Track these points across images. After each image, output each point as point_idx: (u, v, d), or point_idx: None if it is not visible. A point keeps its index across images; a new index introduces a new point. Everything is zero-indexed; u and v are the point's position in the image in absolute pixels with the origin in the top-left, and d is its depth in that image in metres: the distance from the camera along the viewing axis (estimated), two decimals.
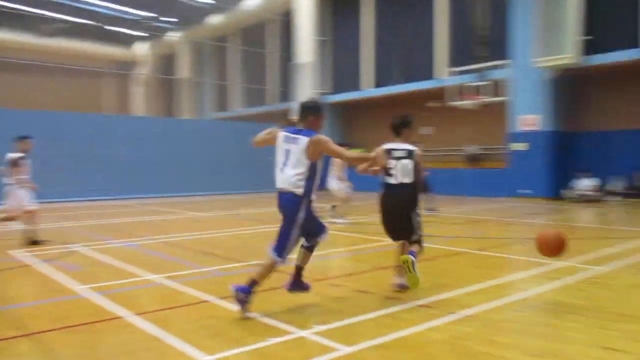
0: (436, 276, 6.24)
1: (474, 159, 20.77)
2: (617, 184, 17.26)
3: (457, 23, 20.50)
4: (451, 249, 8.06)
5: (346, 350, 3.75)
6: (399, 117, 5.75)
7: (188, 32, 33.68)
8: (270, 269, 4.79)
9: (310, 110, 4.90)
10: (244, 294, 4.60)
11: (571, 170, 17.55)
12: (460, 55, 20.40)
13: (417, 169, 5.48)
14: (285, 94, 27.47)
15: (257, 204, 17.75)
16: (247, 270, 6.62)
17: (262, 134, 5.09)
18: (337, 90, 25.94)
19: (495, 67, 17.92)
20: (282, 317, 4.53)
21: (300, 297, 5.39)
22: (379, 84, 23.73)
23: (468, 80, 18.39)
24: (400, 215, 5.53)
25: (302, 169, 4.69)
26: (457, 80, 18.74)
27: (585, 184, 17.02)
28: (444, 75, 20.46)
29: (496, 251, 7.97)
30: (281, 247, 4.74)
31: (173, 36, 34.31)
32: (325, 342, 3.93)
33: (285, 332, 4.15)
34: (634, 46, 15.55)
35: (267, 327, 4.29)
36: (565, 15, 16.05)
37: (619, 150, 17.44)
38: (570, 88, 18.48)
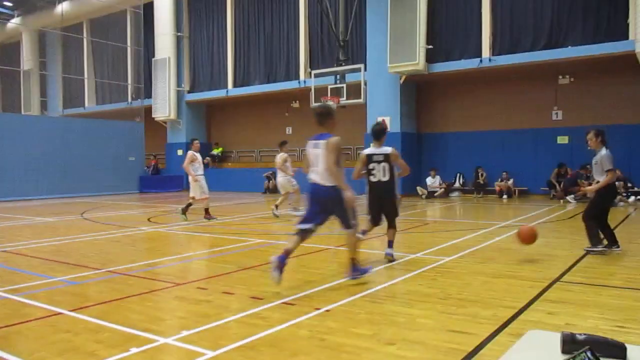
0: (300, 273, 6.39)
1: None
2: (461, 181, 19.07)
3: (316, 26, 21.12)
4: (314, 246, 8.28)
5: (211, 354, 3.69)
6: (379, 125, 7.24)
7: (31, 20, 30.66)
8: (354, 242, 5.88)
9: (327, 115, 5.86)
10: (358, 272, 5.79)
11: (425, 169, 19.04)
12: (320, 58, 21.07)
13: (392, 166, 6.93)
14: (143, 91, 26.21)
15: (111, 207, 16.75)
16: (105, 277, 6.24)
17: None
18: (196, 88, 25.36)
19: (353, 70, 18.76)
20: (143, 326, 4.33)
21: (162, 304, 5.22)
22: (239, 83, 23.61)
23: (328, 82, 19.03)
24: (381, 204, 7.06)
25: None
26: (317, 82, 19.30)
27: (433, 182, 18.59)
28: (305, 76, 21.00)
29: None
30: (348, 222, 5.75)
31: (13, 23, 31.07)
32: (190, 347, 3.84)
33: (148, 341, 3.98)
34: (477, 56, 17.26)
35: (127, 338, 4.07)
36: (413, 25, 17.32)
37: (463, 150, 19.25)
38: (419, 93, 20.02)
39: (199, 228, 10.94)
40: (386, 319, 4.60)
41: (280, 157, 13.06)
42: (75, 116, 27.86)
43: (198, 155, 12.15)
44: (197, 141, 12.54)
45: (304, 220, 5.80)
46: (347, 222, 5.76)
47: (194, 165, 12.00)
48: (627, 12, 14.96)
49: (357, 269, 5.82)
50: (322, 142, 5.68)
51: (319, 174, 5.69)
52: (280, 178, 13.15)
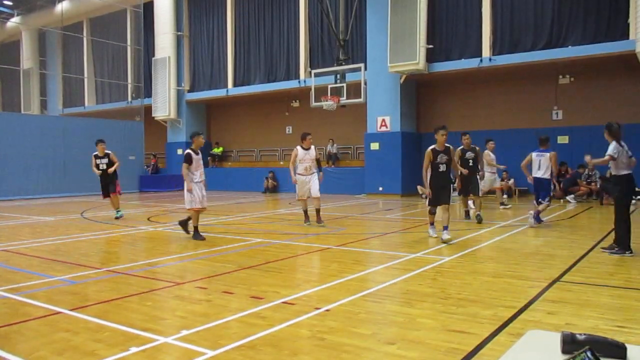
0: (300, 273, 6.39)
1: (335, 158, 21.59)
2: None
3: (316, 25, 21.11)
4: (313, 246, 8.29)
5: (211, 353, 3.69)
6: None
7: (31, 19, 30.64)
8: (545, 207, 10.37)
9: (547, 140, 10.34)
10: (536, 221, 10.18)
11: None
12: (320, 57, 21.06)
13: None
14: (143, 90, 26.20)
15: (110, 206, 16.69)
16: (104, 277, 6.23)
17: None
18: (196, 87, 25.36)
19: (353, 69, 18.74)
20: (143, 325, 4.33)
21: (162, 303, 5.21)
22: (240, 82, 23.61)
23: (328, 82, 19.03)
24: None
25: (547, 166, 10.12)
26: (317, 81, 19.29)
27: None
28: (305, 76, 20.99)
29: (355, 246, 8.36)
30: (547, 196, 10.24)
31: (13, 22, 31.05)
32: (190, 347, 3.83)
33: (148, 340, 3.97)
34: (478, 56, 17.25)
35: (126, 337, 4.07)
36: (413, 24, 17.31)
37: None
38: (419, 92, 20.00)
39: (199, 228, 10.90)
40: (386, 318, 4.60)
41: (487, 154, 13.68)
42: (75, 115, 27.87)
43: (301, 151, 10.82)
44: (309, 136, 10.94)
45: (542, 197, 10.24)
46: (546, 197, 10.27)
47: (295, 163, 10.98)
48: (627, 12, 14.95)
49: (538, 218, 10.21)
50: (547, 154, 10.11)
51: (540, 171, 10.15)
52: (488, 174, 13.60)
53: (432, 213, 9.07)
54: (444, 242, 8.31)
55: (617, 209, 7.33)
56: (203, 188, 9.28)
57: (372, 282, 5.92)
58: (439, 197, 8.83)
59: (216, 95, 24.30)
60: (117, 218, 12.56)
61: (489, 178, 13.70)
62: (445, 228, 8.56)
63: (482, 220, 10.90)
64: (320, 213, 10.88)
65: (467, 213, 11.80)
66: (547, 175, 10.14)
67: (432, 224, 9.10)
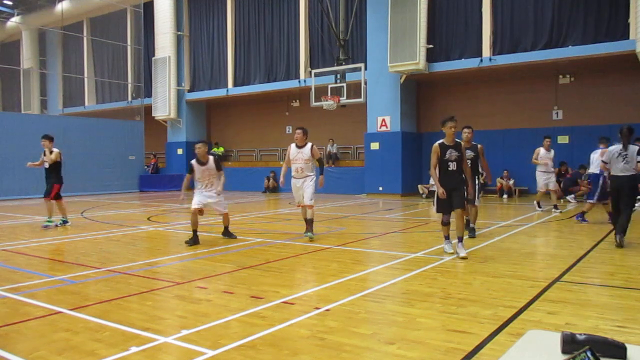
0: (300, 273, 6.39)
1: (335, 158, 21.59)
2: None
3: (316, 25, 21.11)
4: (313, 246, 8.29)
5: (211, 353, 3.69)
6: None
7: (31, 18, 30.65)
8: (590, 207, 10.73)
9: (606, 140, 10.58)
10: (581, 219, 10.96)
11: (425, 169, 19.02)
12: (320, 57, 21.06)
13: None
14: (143, 90, 26.20)
15: (110, 206, 16.73)
16: (104, 276, 6.23)
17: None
18: (196, 87, 25.37)
19: (353, 69, 18.74)
20: (143, 325, 4.33)
21: (162, 303, 5.21)
22: (240, 82, 23.60)
23: (328, 82, 19.02)
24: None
25: (597, 164, 10.12)
26: (317, 81, 19.29)
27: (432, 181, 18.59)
28: (305, 75, 21.00)
29: (355, 246, 8.36)
30: (592, 195, 10.50)
31: (13, 22, 31.06)
32: (190, 346, 3.83)
33: (148, 340, 3.97)
34: (478, 55, 17.25)
35: (127, 337, 4.07)
36: (413, 24, 17.31)
37: None
38: (419, 92, 20.00)
39: (199, 227, 10.91)
40: (386, 318, 4.59)
41: (538, 151, 13.35)
42: (75, 115, 27.85)
43: (293, 149, 9.19)
44: (299, 131, 9.19)
45: (588, 196, 10.92)
46: (594, 196, 10.39)
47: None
48: (627, 12, 14.95)
49: (581, 216, 10.98)
50: (599, 151, 10.38)
51: (592, 167, 10.79)
52: (541, 174, 13.36)
53: (446, 223, 7.48)
54: (462, 258, 7.02)
55: None
56: (210, 197, 8.76)
57: (372, 282, 5.92)
58: (450, 202, 7.33)
59: (216, 95, 24.29)
60: (44, 227, 10.99)
61: (540, 178, 13.16)
62: (460, 240, 7.26)
63: (475, 234, 9.15)
64: (314, 222, 9.25)
65: (467, 222, 9.21)
66: (596, 171, 10.55)
67: (447, 237, 7.57)
